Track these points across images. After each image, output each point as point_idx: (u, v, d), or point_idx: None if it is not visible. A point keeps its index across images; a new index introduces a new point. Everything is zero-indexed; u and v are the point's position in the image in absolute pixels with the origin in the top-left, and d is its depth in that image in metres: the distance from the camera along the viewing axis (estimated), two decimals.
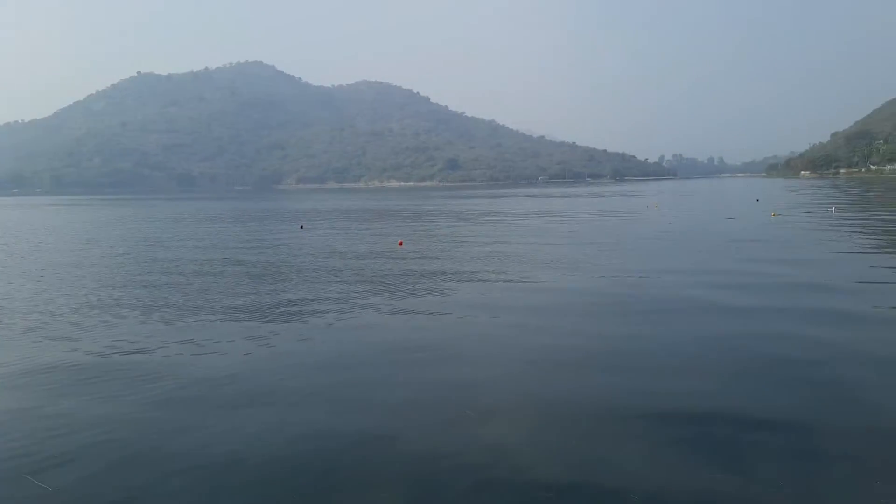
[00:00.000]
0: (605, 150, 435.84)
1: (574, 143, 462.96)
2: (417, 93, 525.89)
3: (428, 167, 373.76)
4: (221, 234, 38.50)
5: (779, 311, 12.95)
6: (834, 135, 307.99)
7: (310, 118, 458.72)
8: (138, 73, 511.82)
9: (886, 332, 11.30)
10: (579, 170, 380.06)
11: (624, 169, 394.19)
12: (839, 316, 12.50)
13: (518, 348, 10.86)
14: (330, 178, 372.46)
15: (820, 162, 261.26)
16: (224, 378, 9.49)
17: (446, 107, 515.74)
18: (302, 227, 41.91)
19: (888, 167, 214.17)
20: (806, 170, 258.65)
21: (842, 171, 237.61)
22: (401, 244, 28.33)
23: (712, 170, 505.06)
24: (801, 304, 13.58)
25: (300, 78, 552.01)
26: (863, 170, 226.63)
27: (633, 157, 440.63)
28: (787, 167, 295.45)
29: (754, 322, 12.13)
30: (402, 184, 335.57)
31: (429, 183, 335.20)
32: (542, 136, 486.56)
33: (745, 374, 9.06)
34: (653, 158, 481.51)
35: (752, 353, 10.07)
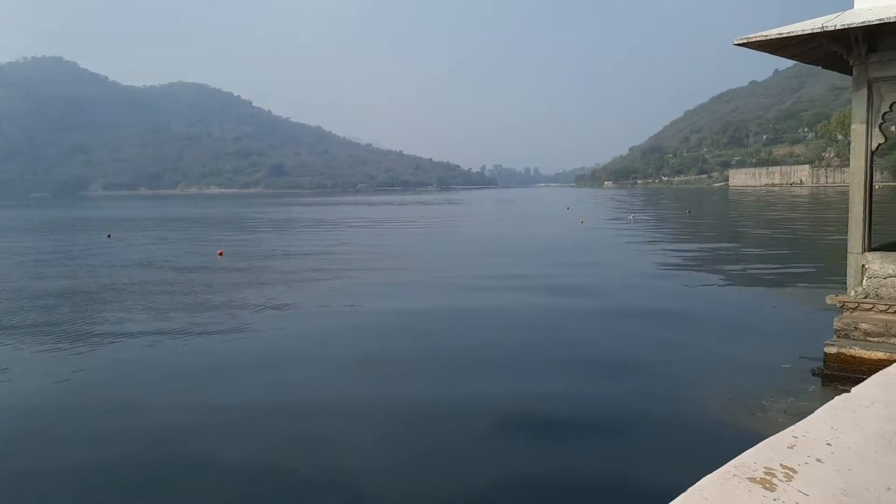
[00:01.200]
0: (430, 160, 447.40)
1: (401, 151, 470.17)
2: (238, 96, 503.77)
3: (251, 173, 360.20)
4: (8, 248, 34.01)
5: (593, 308, 13.81)
6: (632, 149, 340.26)
7: (118, 120, 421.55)
8: None
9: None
10: (406, 178, 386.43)
11: (449, 178, 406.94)
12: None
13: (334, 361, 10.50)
14: (142, 185, 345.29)
15: (621, 173, 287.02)
16: None
17: (270, 111, 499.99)
18: (110, 237, 38.41)
19: (676, 178, 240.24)
20: (609, 180, 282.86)
21: (639, 181, 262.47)
22: (220, 254, 27.01)
23: (529, 179, 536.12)
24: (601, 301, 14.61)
25: (106, 76, 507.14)
26: (656, 180, 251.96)
27: (458, 166, 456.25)
28: (593, 178, 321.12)
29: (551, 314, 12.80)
30: (224, 190, 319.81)
31: (253, 190, 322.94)
32: (370, 144, 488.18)
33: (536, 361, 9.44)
34: (476, 168, 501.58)
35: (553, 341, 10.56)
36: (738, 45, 8.45)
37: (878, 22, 7.42)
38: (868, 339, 8.14)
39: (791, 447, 2.27)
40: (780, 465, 2.13)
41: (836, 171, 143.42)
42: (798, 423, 2.50)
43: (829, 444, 2.32)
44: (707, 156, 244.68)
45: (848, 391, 2.91)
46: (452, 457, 6.80)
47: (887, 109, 8.24)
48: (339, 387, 9.22)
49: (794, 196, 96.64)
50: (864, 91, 8.27)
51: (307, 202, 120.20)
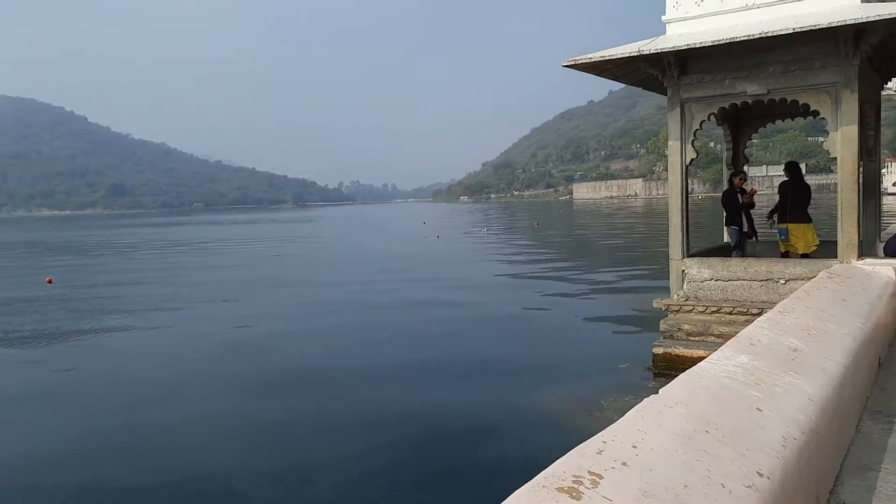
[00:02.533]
0: (285, 176, 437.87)
1: (254, 168, 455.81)
2: (72, 111, 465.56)
3: (88, 194, 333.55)
4: None
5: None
6: (484, 164, 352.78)
7: None
8: None
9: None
10: (260, 195, 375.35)
11: (306, 194, 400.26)
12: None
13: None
14: None
15: (475, 188, 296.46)
16: None
17: (108, 128, 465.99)
18: None
19: (526, 192, 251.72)
20: (464, 195, 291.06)
21: (492, 195, 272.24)
22: (49, 281, 24.77)
23: (386, 195, 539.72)
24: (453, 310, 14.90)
25: None
26: (508, 195, 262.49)
27: (314, 183, 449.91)
28: (449, 192, 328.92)
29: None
30: (57, 213, 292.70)
31: (90, 211, 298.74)
32: (220, 161, 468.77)
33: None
34: (333, 185, 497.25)
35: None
36: (567, 66, 8.93)
37: (686, 47, 8.12)
38: (689, 338, 8.84)
39: (599, 452, 2.33)
40: (588, 471, 2.18)
41: (665, 184, 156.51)
42: (608, 428, 2.58)
43: (634, 447, 2.41)
44: (553, 171, 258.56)
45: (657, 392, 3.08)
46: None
47: (698, 127, 9.03)
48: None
49: (630, 207, 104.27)
50: (678, 110, 9.01)
51: (149, 223, 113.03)
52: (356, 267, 28.13)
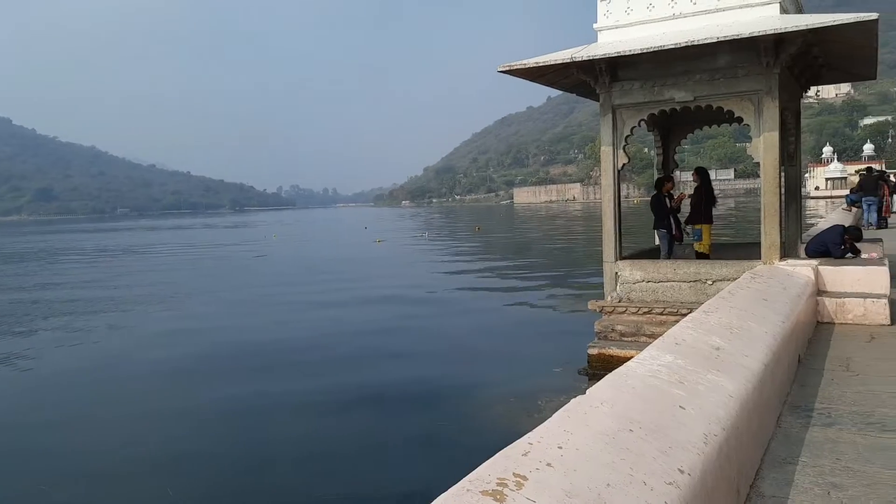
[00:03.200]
0: (222, 181, 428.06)
1: (189, 172, 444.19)
2: None
3: (12, 199, 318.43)
4: None
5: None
6: (426, 169, 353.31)
7: None
8: None
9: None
10: (196, 200, 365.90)
11: (243, 199, 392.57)
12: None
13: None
14: None
15: (417, 192, 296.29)
16: None
17: (34, 130, 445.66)
18: None
19: (468, 196, 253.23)
20: (406, 199, 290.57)
21: (434, 200, 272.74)
22: None
23: (327, 200, 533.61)
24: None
25: None
26: (450, 199, 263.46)
27: (252, 187, 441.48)
28: (391, 197, 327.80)
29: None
30: None
31: (15, 217, 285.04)
32: (153, 165, 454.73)
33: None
34: (272, 189, 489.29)
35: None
36: (502, 71, 9.02)
37: (616, 55, 8.31)
38: (623, 339, 9.03)
39: (525, 454, 2.34)
40: (513, 473, 2.18)
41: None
42: (535, 429, 2.60)
43: (560, 448, 2.43)
44: (494, 175, 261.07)
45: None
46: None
47: (629, 133, 9.25)
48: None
49: (568, 211, 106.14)
50: (610, 116, 9.20)
51: (78, 229, 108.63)
52: (290, 276, 27.67)
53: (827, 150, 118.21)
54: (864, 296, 7.08)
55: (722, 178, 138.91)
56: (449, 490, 2.10)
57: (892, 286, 7.73)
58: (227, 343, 13.46)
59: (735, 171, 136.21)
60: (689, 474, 2.53)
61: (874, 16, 6.82)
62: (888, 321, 6.87)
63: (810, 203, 69.04)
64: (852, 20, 6.89)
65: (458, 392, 9.15)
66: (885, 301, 6.95)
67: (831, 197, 69.41)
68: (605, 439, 2.57)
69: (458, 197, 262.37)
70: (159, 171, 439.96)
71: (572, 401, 2.97)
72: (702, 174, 10.34)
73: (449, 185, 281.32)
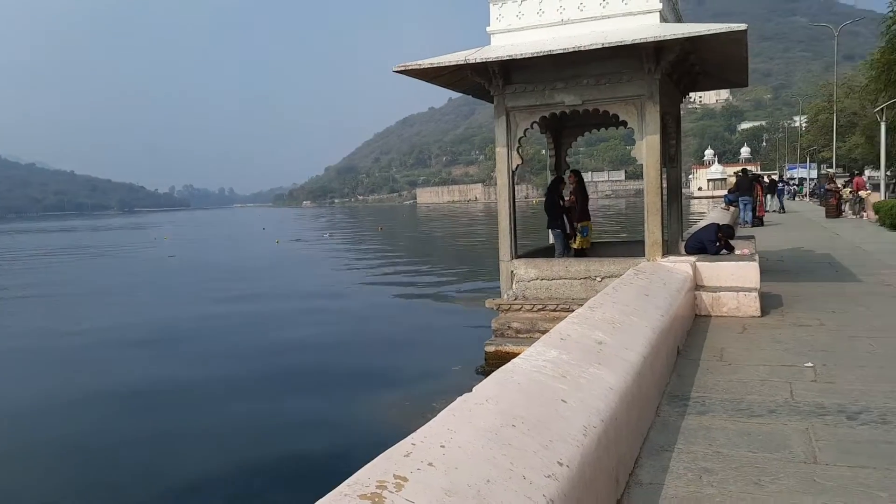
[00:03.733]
0: (109, 180, 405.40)
1: (73, 171, 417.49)
2: None
3: None
4: None
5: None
6: (328, 169, 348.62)
7: None
8: None
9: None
10: (82, 201, 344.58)
11: (133, 200, 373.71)
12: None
13: None
14: None
15: (319, 192, 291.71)
16: None
17: None
18: None
19: (371, 197, 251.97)
20: (307, 199, 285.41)
21: (336, 200, 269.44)
22: None
23: (224, 200, 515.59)
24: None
25: None
26: (353, 199, 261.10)
27: (143, 187, 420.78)
28: (291, 197, 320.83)
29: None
30: None
31: None
32: (33, 164, 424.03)
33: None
34: (164, 189, 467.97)
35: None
36: (397, 72, 9.00)
37: (507, 58, 8.48)
38: (519, 336, 9.23)
39: (407, 455, 2.33)
40: (394, 475, 2.16)
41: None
42: (419, 429, 2.59)
43: (442, 447, 2.44)
44: (397, 175, 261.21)
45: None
46: None
47: (522, 134, 9.46)
48: None
49: (471, 211, 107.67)
50: (504, 118, 9.39)
51: None
52: (182, 279, 26.56)
53: (708, 153, 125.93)
54: (737, 290, 7.57)
55: (614, 179, 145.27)
56: (326, 496, 2.06)
57: (762, 280, 8.32)
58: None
59: (626, 172, 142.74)
60: (567, 466, 2.61)
61: (743, 26, 7.30)
62: (758, 313, 7.37)
63: (694, 203, 73.30)
64: (723, 30, 7.35)
65: (350, 394, 9.07)
66: (755, 294, 7.46)
67: (713, 197, 73.88)
68: (488, 436, 2.60)
69: (360, 197, 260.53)
70: (40, 170, 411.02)
71: (458, 399, 2.99)
72: (578, 176, 10.87)
73: (351, 185, 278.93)
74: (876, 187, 27.35)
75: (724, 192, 34.35)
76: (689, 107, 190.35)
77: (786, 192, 40.24)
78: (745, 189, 22.88)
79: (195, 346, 12.95)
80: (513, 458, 2.49)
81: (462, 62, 8.65)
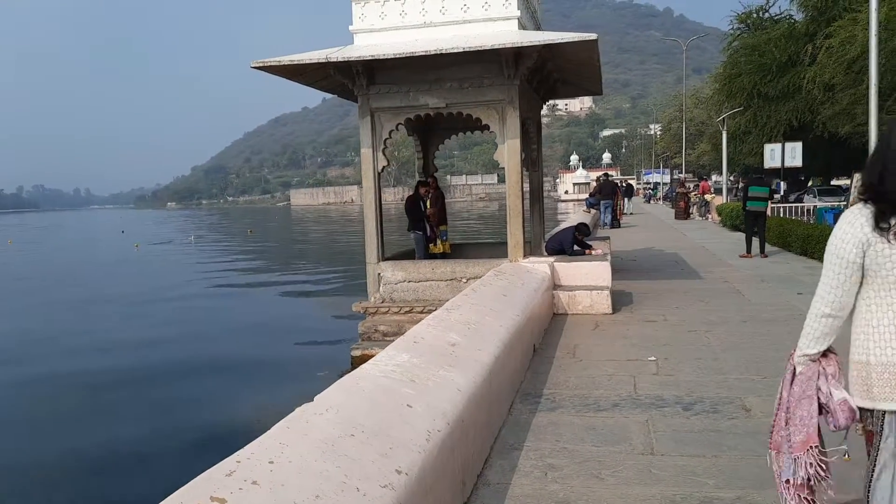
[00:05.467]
0: None
1: None
2: None
3: None
4: None
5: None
6: (194, 168, 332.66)
7: None
8: None
9: None
10: None
11: None
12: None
13: None
14: None
15: (185, 193, 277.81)
16: None
17: None
18: None
19: (241, 198, 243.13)
20: (172, 201, 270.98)
21: (204, 201, 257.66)
22: None
23: (80, 201, 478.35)
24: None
25: None
26: (221, 201, 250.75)
27: None
28: (155, 199, 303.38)
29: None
30: None
31: None
32: None
33: None
34: (9, 189, 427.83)
35: None
36: (256, 68, 8.66)
37: (370, 58, 8.39)
38: (385, 339, 9.13)
39: (230, 474, 2.17)
40: (211, 498, 2.00)
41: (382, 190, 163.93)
42: (248, 445, 2.44)
43: (271, 462, 2.30)
44: (269, 176, 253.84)
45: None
46: None
47: (387, 136, 9.39)
48: None
49: (346, 213, 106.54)
50: (368, 119, 9.27)
51: None
52: (27, 283, 24.36)
53: (574, 158, 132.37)
54: (591, 288, 7.92)
55: (487, 183, 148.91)
56: None
57: (616, 278, 8.76)
58: None
59: (498, 175, 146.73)
60: (406, 474, 2.54)
61: (593, 36, 7.63)
62: (610, 310, 7.74)
63: (561, 205, 76.65)
64: (576, 38, 7.65)
65: (206, 403, 8.62)
66: (607, 293, 7.83)
67: (578, 200, 77.48)
68: (324, 448, 2.49)
69: (230, 198, 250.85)
70: None
71: (297, 409, 2.85)
72: (436, 180, 11.07)
73: (220, 185, 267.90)
74: (720, 191, 29.77)
75: (588, 195, 36.09)
76: (557, 114, 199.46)
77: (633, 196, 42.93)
78: (607, 193, 24.19)
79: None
80: (348, 469, 2.39)
81: (323, 60, 8.45)
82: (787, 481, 2.44)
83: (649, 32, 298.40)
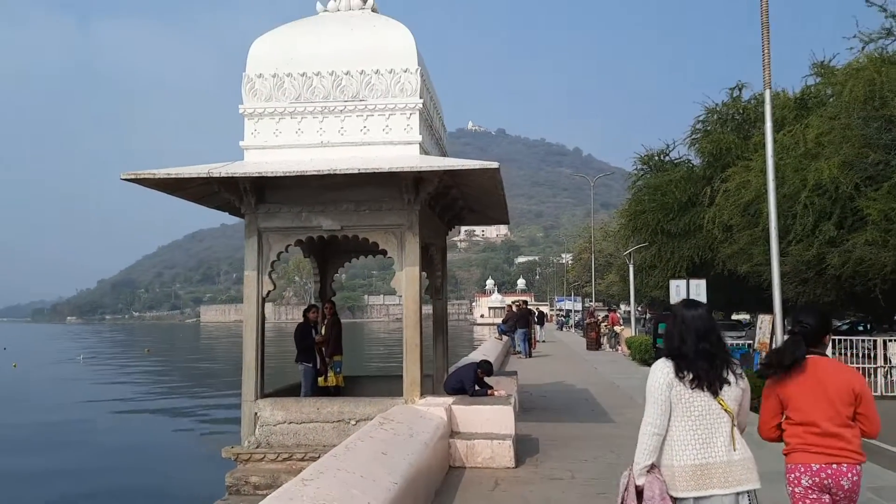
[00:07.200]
0: None
1: None
2: None
3: None
4: None
5: None
6: (101, 282, 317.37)
7: None
8: None
9: None
10: None
11: None
12: None
13: None
14: None
15: (87, 307, 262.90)
16: None
17: None
18: None
19: (148, 313, 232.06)
20: (73, 315, 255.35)
21: (108, 316, 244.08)
22: None
23: None
24: None
25: None
26: (127, 316, 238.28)
27: None
28: (54, 312, 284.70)
29: None
30: None
31: None
32: None
33: None
34: None
35: None
36: (127, 180, 7.76)
37: (258, 175, 7.71)
38: (257, 492, 7.82)
39: None
40: None
41: (295, 309, 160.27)
42: None
43: None
44: (180, 292, 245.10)
45: None
46: None
47: (275, 258, 8.58)
48: None
49: None
50: (255, 240, 8.46)
51: None
52: None
53: (490, 283, 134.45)
54: (492, 437, 7.04)
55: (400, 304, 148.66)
56: None
57: (523, 419, 7.92)
58: None
59: None
60: None
61: (495, 165, 7.25)
62: (513, 463, 6.85)
63: (477, 329, 76.44)
64: (477, 166, 7.24)
65: None
66: (509, 443, 6.96)
67: (493, 324, 77.64)
68: None
69: (136, 314, 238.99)
70: None
71: None
72: (333, 306, 10.24)
73: (127, 300, 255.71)
74: (630, 320, 30.05)
75: (501, 321, 35.72)
76: (474, 238, 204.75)
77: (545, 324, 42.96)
78: (524, 321, 23.30)
79: None
80: None
81: (205, 175, 7.68)
82: None
83: (560, 169, 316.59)
